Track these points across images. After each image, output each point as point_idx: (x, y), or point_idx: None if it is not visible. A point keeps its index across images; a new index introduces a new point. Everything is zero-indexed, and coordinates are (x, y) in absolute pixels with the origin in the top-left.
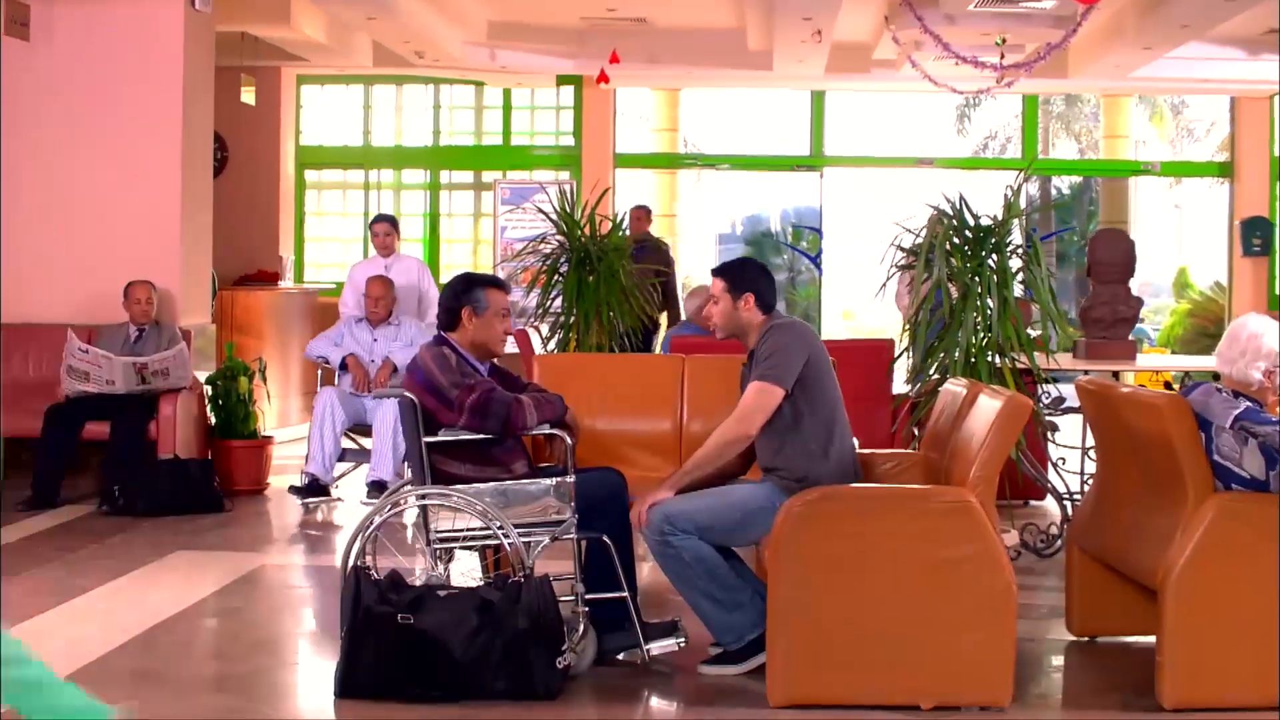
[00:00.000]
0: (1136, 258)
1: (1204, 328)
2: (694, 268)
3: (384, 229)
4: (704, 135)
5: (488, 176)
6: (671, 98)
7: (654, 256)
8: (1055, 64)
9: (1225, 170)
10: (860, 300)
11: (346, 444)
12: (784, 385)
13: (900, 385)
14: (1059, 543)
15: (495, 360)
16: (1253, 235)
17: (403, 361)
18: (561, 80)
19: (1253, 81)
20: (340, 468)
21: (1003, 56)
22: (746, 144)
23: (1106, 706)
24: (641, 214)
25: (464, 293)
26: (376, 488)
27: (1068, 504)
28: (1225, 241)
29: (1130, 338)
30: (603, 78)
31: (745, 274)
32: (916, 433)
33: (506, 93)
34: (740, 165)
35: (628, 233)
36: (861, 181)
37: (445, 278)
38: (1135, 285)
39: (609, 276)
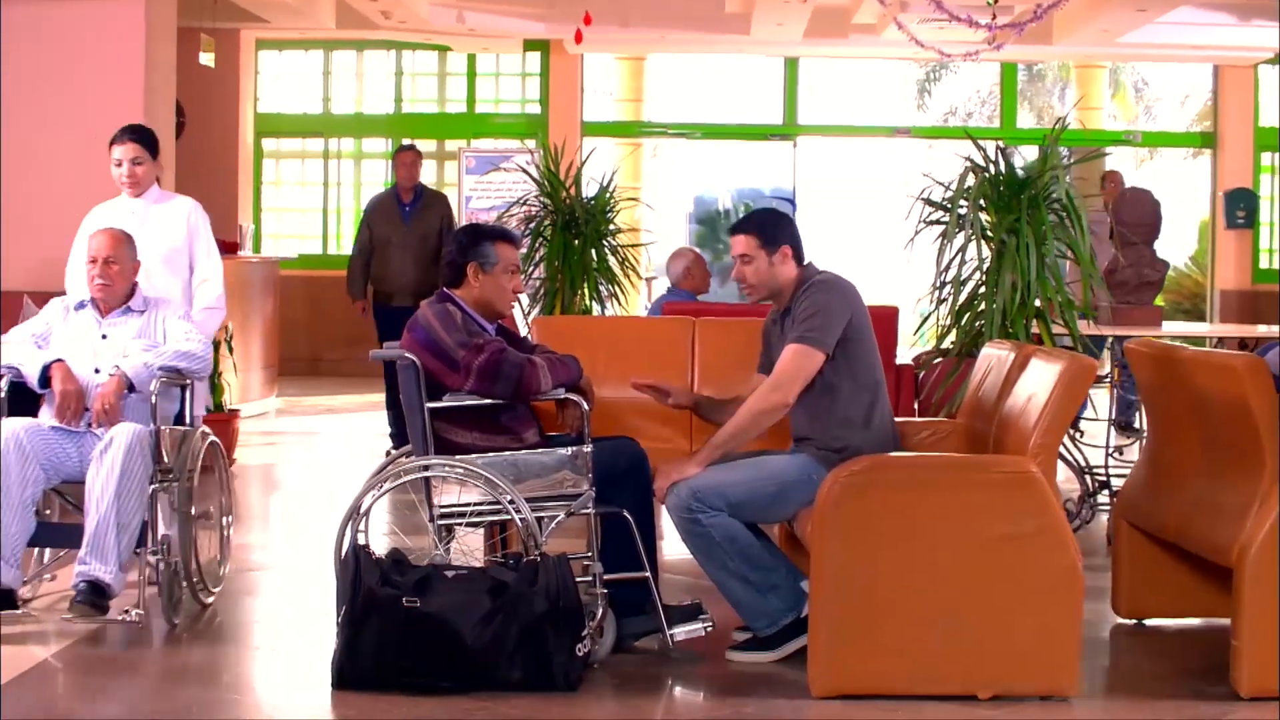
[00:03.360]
0: (1163, 218)
1: (1178, 303)
2: (662, 246)
3: (131, 151)
4: (668, 107)
5: (451, 145)
6: (636, 68)
7: (434, 213)
8: (1039, 30)
9: (1208, 141)
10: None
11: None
12: (825, 348)
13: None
14: (1076, 521)
15: (503, 320)
16: (1236, 207)
17: (144, 377)
18: (529, 46)
19: (1238, 48)
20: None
21: (994, 16)
22: (713, 115)
23: (1178, 695)
24: (412, 158)
25: (471, 247)
26: (90, 594)
27: (1088, 478)
28: (1208, 214)
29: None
30: (579, 37)
31: (776, 224)
32: (916, 406)
33: (471, 59)
34: (712, 134)
35: (400, 184)
36: (834, 151)
37: None
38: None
39: (595, 239)
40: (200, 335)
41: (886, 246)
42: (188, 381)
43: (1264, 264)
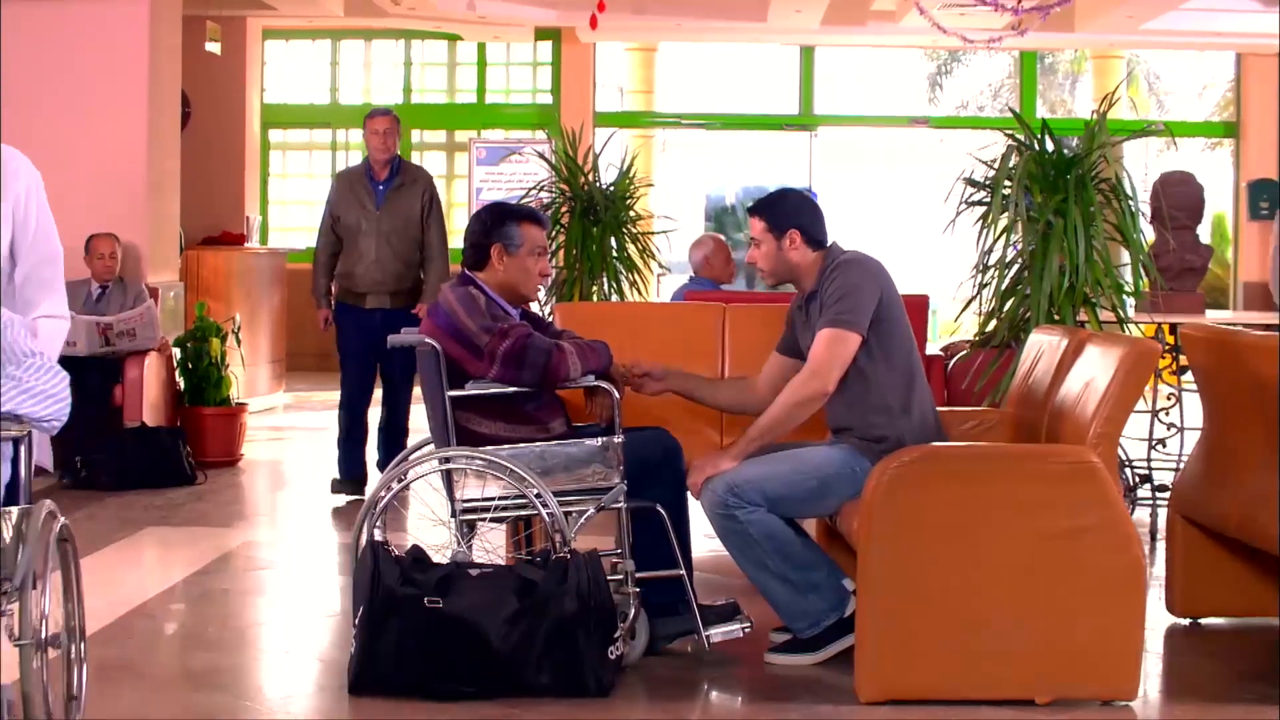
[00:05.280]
0: (1205, 203)
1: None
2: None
3: None
4: (680, 99)
5: (461, 136)
6: (647, 59)
7: (414, 192)
8: (1061, 16)
9: (1231, 130)
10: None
11: None
12: (859, 329)
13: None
14: None
15: (528, 305)
16: (1260, 198)
17: None
18: (540, 35)
19: (1262, 35)
20: None
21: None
22: (726, 106)
23: (1245, 699)
24: (386, 124)
25: (495, 227)
26: None
27: (1129, 471)
28: (1230, 205)
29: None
30: (594, 21)
31: (785, 208)
32: (946, 397)
33: (481, 48)
34: (729, 124)
35: (372, 156)
36: (849, 142)
37: None
38: None
39: (615, 227)
40: (53, 363)
41: (908, 236)
42: (24, 433)
43: None
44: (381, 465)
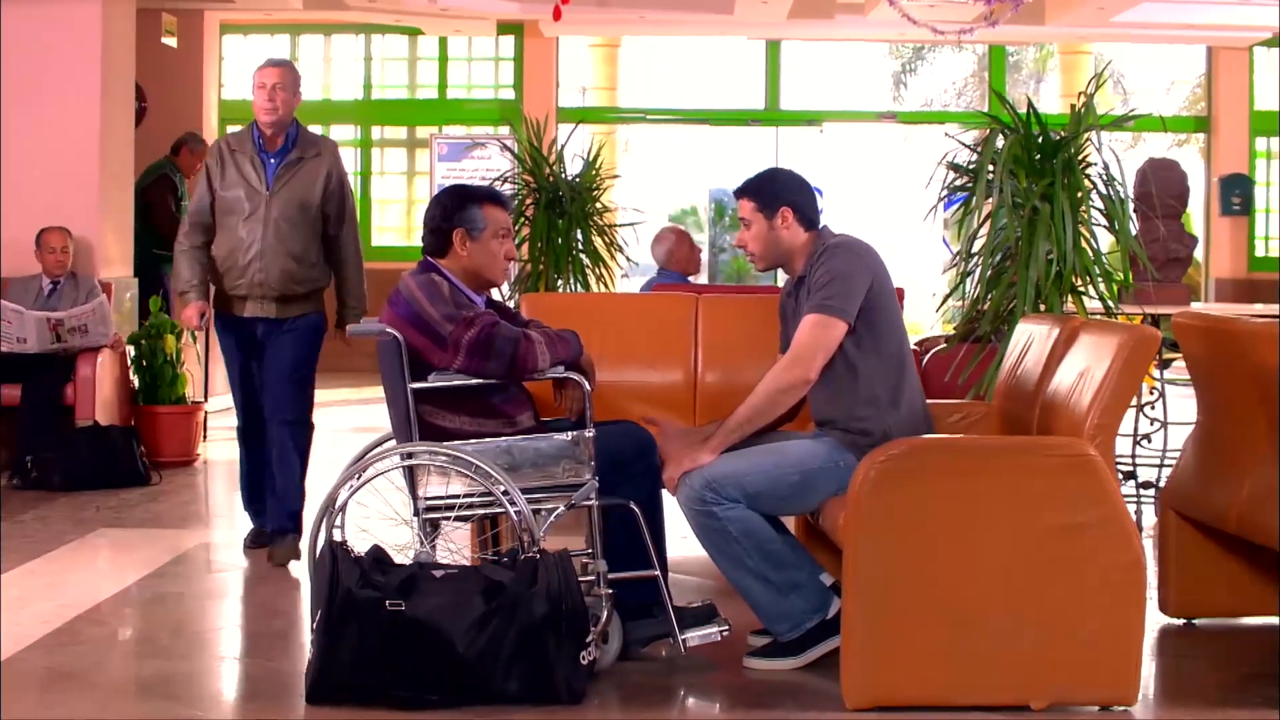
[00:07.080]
0: (1189, 190)
1: None
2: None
3: None
4: (642, 95)
5: (422, 132)
6: (610, 55)
7: (315, 169)
8: (1032, 8)
9: (1202, 125)
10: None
11: None
12: (847, 317)
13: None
14: None
15: (493, 292)
16: (1232, 193)
17: None
18: (502, 29)
19: (1233, 28)
20: None
21: None
22: (692, 102)
23: (1251, 704)
24: (280, 77)
25: (456, 211)
26: None
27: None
28: (1201, 200)
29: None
30: (557, 13)
31: (776, 187)
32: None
33: (442, 42)
34: (692, 119)
35: (259, 119)
36: (816, 138)
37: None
38: None
39: (581, 219)
40: None
41: (879, 233)
42: None
43: (1260, 252)
44: (247, 503)
